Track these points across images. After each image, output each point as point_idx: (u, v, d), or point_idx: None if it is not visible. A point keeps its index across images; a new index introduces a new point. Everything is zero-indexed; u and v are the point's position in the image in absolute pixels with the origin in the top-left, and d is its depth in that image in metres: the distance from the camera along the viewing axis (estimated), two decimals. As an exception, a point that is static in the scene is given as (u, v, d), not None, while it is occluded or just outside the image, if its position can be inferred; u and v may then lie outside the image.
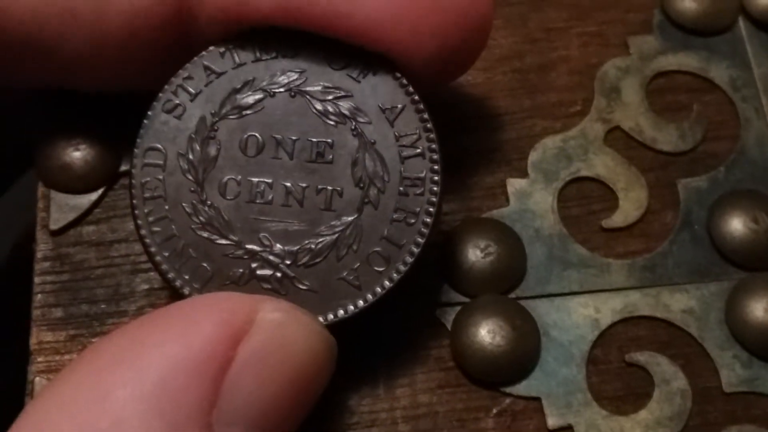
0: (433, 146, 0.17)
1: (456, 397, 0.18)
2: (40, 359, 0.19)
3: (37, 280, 0.19)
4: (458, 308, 0.19)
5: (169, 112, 0.18)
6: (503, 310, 0.19)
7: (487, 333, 0.18)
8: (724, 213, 0.20)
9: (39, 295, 0.19)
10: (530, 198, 0.20)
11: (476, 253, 0.19)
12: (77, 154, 0.20)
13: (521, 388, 0.18)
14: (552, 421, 0.18)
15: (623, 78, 0.22)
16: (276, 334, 0.15)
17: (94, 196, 0.20)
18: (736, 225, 0.20)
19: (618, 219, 0.20)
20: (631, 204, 0.20)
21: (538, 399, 0.18)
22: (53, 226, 0.20)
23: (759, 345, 0.19)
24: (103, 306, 0.19)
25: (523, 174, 0.20)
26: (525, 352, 0.19)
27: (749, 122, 0.21)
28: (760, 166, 0.21)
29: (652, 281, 0.19)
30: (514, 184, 0.20)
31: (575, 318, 0.19)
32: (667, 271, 0.20)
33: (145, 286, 0.19)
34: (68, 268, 0.20)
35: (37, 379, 0.18)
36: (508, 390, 0.18)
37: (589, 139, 0.21)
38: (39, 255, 0.20)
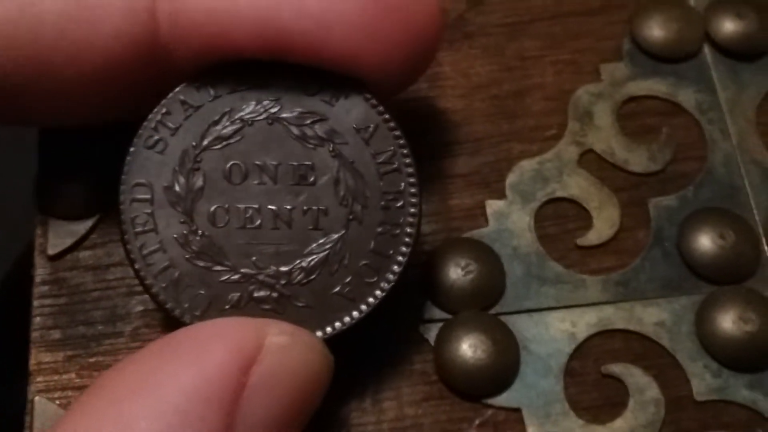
0: (408, 161, 0.18)
1: (440, 409, 0.19)
2: (39, 379, 0.19)
3: (35, 303, 0.20)
4: (441, 324, 0.20)
5: (150, 147, 0.18)
6: (484, 326, 0.19)
7: (468, 347, 0.19)
8: (693, 230, 0.21)
9: (38, 318, 0.20)
10: (508, 218, 0.21)
11: (457, 272, 0.20)
12: (73, 183, 0.21)
13: (502, 400, 0.19)
14: (532, 431, 0.19)
15: (595, 103, 0.23)
16: (283, 357, 0.16)
17: (90, 222, 0.21)
18: (705, 241, 0.21)
19: (592, 237, 0.21)
20: (604, 223, 0.21)
21: (518, 410, 0.19)
22: (51, 251, 0.20)
23: (727, 355, 0.20)
24: (99, 327, 0.20)
25: (501, 195, 0.21)
26: (505, 365, 0.19)
27: (715, 143, 0.22)
28: (726, 184, 0.22)
29: (625, 296, 0.20)
30: (492, 206, 0.21)
31: (553, 332, 0.20)
32: (640, 286, 0.20)
33: (141, 308, 0.20)
34: (66, 291, 0.20)
35: (37, 398, 0.19)
36: (489, 402, 0.19)
37: (563, 161, 0.22)
38: (37, 279, 0.20)
